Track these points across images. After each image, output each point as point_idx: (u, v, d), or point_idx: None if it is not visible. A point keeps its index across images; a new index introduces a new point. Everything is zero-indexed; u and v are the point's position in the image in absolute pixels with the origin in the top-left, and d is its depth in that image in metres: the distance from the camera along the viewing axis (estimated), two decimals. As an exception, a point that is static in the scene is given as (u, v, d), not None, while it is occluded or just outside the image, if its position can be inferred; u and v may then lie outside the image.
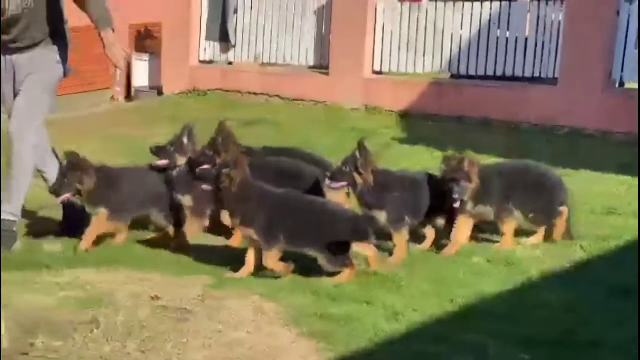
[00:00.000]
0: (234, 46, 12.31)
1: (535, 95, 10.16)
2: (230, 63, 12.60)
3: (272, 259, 4.77)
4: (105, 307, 4.14)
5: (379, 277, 4.83)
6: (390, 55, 11.27)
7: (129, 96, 13.16)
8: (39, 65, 5.39)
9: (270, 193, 4.92)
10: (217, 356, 3.68)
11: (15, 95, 5.39)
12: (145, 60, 12.96)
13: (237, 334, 3.95)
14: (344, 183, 5.30)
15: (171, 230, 5.61)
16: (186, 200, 5.49)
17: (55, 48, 5.46)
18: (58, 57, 5.48)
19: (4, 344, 3.55)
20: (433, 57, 11.05)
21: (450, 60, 10.96)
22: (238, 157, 4.98)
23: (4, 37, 5.33)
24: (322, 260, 4.73)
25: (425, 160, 8.30)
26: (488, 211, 5.44)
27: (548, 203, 5.48)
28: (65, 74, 5.60)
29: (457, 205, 5.27)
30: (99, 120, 11.33)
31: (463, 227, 5.40)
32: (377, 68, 11.39)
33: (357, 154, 5.25)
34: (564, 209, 5.50)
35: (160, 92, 12.69)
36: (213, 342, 3.83)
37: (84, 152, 5.69)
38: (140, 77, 12.98)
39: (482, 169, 5.42)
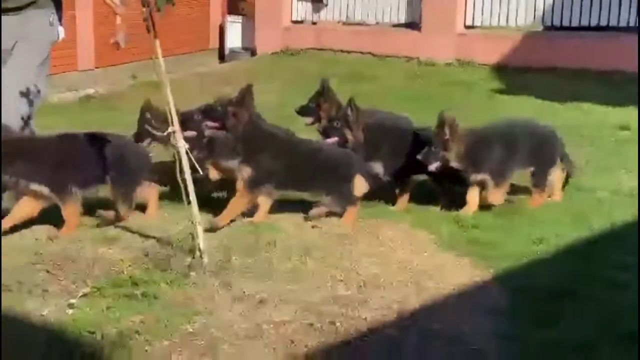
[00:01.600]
0: (326, 5, 12.63)
1: (629, 44, 10.25)
2: (314, 23, 12.95)
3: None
4: (277, 232, 4.59)
5: (513, 209, 5.17)
6: (483, 9, 11.45)
7: (222, 57, 13.62)
8: (30, 31, 5.00)
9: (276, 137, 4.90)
10: (391, 271, 4.09)
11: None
12: (239, 22, 13.38)
13: (401, 254, 4.36)
14: (336, 139, 5.23)
15: None
16: None
17: (49, 9, 5.09)
18: (51, 19, 5.12)
19: (205, 261, 4.02)
20: (526, 9, 11.21)
21: (543, 12, 11.11)
22: (244, 96, 4.82)
23: None
24: (327, 201, 4.81)
25: (528, 110, 8.57)
26: (486, 179, 5.15)
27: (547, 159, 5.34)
28: (58, 37, 5.21)
29: (432, 168, 5.10)
30: (204, 80, 11.79)
31: (473, 198, 5.16)
32: (469, 22, 11.59)
33: (349, 110, 5.23)
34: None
35: (253, 53, 13.12)
36: (382, 260, 4.24)
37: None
38: (234, 39, 13.42)
39: (472, 134, 5.19)
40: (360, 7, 12.44)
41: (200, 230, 4.06)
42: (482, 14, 11.47)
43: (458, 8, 11.47)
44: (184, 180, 4.05)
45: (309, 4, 12.80)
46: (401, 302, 3.71)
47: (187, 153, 4.07)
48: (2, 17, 4.96)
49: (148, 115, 5.22)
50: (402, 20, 12.20)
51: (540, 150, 5.32)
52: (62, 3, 5.24)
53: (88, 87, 11.12)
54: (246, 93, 4.82)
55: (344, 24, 12.75)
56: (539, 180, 5.31)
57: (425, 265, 4.17)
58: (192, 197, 4.05)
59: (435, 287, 3.89)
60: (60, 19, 5.23)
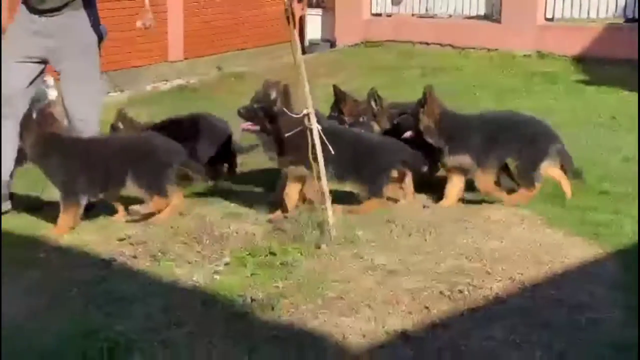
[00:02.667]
0: (407, -3, 12.87)
1: None
2: (389, 15, 13.18)
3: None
4: (392, 211, 4.89)
5: (614, 195, 5.35)
6: (563, 1, 11.54)
7: (302, 49, 13.94)
8: (74, 31, 5.07)
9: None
10: (507, 246, 4.35)
11: (37, 59, 5.10)
12: (319, 15, 13.69)
13: (515, 232, 4.60)
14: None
15: None
16: None
17: (85, 10, 5.09)
18: (91, 20, 5.14)
19: (333, 234, 4.34)
20: (607, 2, 11.26)
21: (625, 4, 11.15)
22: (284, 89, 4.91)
23: None
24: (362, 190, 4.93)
25: (613, 101, 8.70)
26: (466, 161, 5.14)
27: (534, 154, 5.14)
28: (102, 36, 5.27)
29: (405, 135, 5.21)
30: (286, 70, 12.13)
31: (451, 191, 5.18)
32: (549, 15, 11.69)
33: (372, 102, 5.51)
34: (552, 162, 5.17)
35: (333, 45, 13.41)
36: (497, 236, 4.50)
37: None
38: (314, 31, 13.73)
39: (452, 115, 5.26)
40: (441, 0, 12.63)
41: (329, 205, 4.37)
42: (563, 6, 11.55)
43: (539, 0, 11.57)
44: (315, 159, 4.37)
45: (389, -3, 13.05)
46: (522, 274, 3.96)
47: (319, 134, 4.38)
48: (42, 19, 5.02)
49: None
50: (478, 12, 12.35)
51: (526, 145, 5.12)
52: (96, 2, 5.22)
53: (177, 77, 11.55)
54: (284, 94, 4.89)
55: (419, 16, 12.96)
56: (524, 174, 5.13)
57: (540, 242, 4.41)
58: (323, 174, 4.36)
59: (552, 260, 4.13)
60: (98, 20, 5.22)
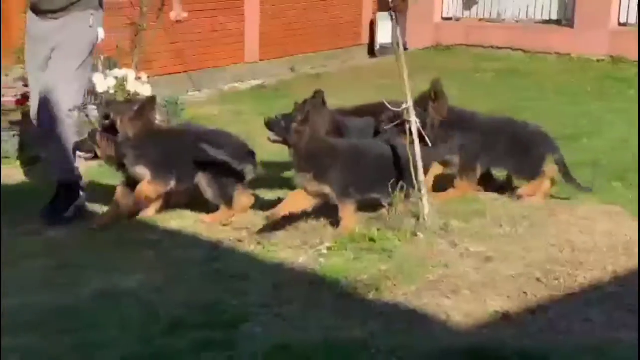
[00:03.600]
0: (477, 3, 13.00)
1: None
2: (458, 19, 13.32)
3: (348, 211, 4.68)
4: (482, 204, 5.08)
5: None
6: (638, 6, 11.54)
7: (372, 52, 14.17)
8: (69, 33, 5.04)
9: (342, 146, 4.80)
10: (597, 238, 4.51)
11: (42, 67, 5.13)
12: (389, 19, 13.90)
13: (604, 225, 4.75)
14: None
15: None
16: None
17: (89, 10, 5.09)
18: (91, 21, 5.10)
19: (428, 223, 4.55)
20: (684, 6, 11.24)
21: (702, 10, 11.12)
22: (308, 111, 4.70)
23: None
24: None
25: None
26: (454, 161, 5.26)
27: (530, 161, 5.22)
28: (97, 39, 5.21)
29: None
30: (357, 73, 12.37)
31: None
32: (622, 20, 11.70)
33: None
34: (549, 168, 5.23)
35: (404, 48, 13.58)
36: (586, 229, 4.66)
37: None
38: (385, 34, 13.93)
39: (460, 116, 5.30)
40: (512, 4, 12.72)
41: (425, 196, 4.59)
42: (638, 11, 11.55)
43: (613, 5, 11.60)
44: (412, 153, 4.59)
45: (460, 1, 13.19)
46: (614, 265, 4.12)
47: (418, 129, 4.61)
48: (43, 21, 5.08)
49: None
50: (551, 17, 12.42)
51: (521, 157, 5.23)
52: (103, 5, 5.24)
53: (253, 78, 11.88)
54: (312, 109, 4.76)
55: (488, 21, 13.08)
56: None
57: (630, 235, 4.55)
58: (420, 167, 4.58)
59: (643, 253, 4.28)
60: (101, 23, 5.22)
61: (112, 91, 7.03)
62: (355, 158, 4.73)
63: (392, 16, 4.72)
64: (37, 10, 5.13)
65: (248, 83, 11.62)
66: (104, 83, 6.97)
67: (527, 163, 5.22)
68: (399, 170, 4.71)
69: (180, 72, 10.46)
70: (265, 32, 12.28)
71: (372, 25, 14.11)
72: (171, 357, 3.26)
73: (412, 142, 4.61)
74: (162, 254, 4.47)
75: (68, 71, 5.04)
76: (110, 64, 7.68)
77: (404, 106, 4.68)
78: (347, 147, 4.80)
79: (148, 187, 4.89)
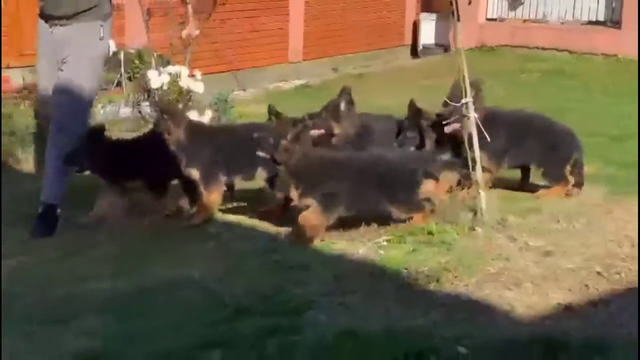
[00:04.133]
0: (522, 3, 12.96)
1: None
2: (502, 20, 13.27)
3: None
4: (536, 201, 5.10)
5: None
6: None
7: (415, 53, 14.18)
8: (79, 46, 4.98)
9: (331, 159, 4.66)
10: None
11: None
12: (433, 19, 13.90)
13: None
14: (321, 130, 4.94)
15: None
16: None
17: (98, 21, 5.04)
18: (101, 33, 5.05)
19: (485, 218, 4.57)
20: None
21: None
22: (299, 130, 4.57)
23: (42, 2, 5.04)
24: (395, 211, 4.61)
25: None
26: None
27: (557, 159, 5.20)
28: (109, 51, 5.21)
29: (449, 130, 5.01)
30: (403, 73, 12.40)
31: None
32: (671, 20, 11.59)
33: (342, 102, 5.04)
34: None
35: (447, 49, 13.59)
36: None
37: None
38: (428, 35, 13.95)
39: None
40: (558, 5, 12.66)
41: (482, 191, 4.61)
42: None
43: (661, 6, 11.51)
44: (470, 147, 4.62)
45: (505, 2, 13.16)
46: (675, 260, 4.11)
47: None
48: (50, 27, 5.03)
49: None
50: (597, 18, 12.34)
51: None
52: (112, 13, 5.18)
53: (296, 78, 11.96)
54: (302, 130, 4.61)
55: (533, 22, 13.04)
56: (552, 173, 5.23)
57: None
58: (478, 162, 4.60)
59: None
60: (110, 33, 5.18)
61: (165, 87, 7.15)
62: (344, 174, 4.56)
63: (452, 13, 4.71)
64: (44, 16, 5.06)
65: (292, 83, 11.72)
66: (158, 79, 7.09)
67: (553, 162, 5.21)
68: (391, 182, 4.54)
69: (224, 72, 10.58)
70: (309, 32, 12.37)
71: (415, 26, 14.14)
72: (237, 342, 3.32)
73: (470, 137, 4.64)
74: (222, 245, 4.56)
75: (78, 86, 4.97)
76: (163, 62, 7.82)
77: (463, 101, 4.71)
78: (336, 162, 4.62)
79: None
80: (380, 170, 4.57)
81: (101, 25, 5.04)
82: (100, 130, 5.09)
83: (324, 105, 5.15)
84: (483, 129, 4.68)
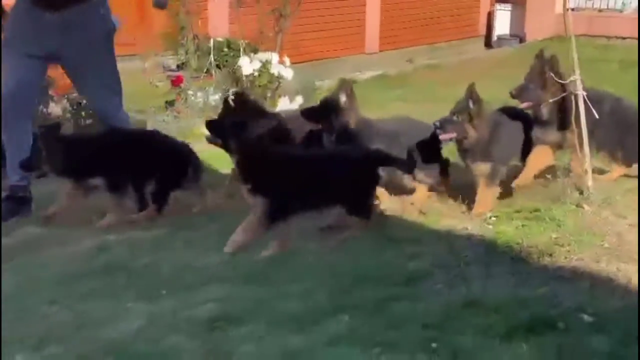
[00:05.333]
0: (601, -7, 12.81)
1: None
2: (580, 10, 13.12)
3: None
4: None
5: None
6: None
7: (488, 44, 14.13)
8: (82, 32, 4.87)
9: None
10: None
11: (41, 57, 4.92)
12: (508, 10, 13.83)
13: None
14: (453, 134, 4.72)
15: None
16: None
17: (92, 4, 4.92)
18: (102, 11, 4.97)
19: (592, 196, 4.57)
20: None
21: None
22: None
23: None
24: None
25: None
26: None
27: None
28: (115, 27, 5.10)
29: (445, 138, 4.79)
30: (478, 63, 12.37)
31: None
32: None
33: (470, 101, 4.70)
34: None
35: (522, 40, 13.51)
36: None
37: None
38: (502, 26, 13.89)
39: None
40: (637, -7, 12.48)
41: (589, 170, 4.62)
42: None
43: None
44: (578, 126, 4.63)
45: (583, -8, 13.04)
46: None
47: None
48: (47, 15, 4.82)
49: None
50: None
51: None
52: None
53: (372, 68, 12.05)
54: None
55: (599, 10, 12.89)
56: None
57: None
58: (585, 141, 4.61)
59: None
60: (109, 11, 5.06)
61: (256, 74, 7.30)
62: (299, 170, 4.26)
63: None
64: (41, 3, 4.81)
65: (368, 73, 11.81)
66: (249, 66, 7.25)
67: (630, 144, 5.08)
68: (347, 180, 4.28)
69: (302, 62, 10.72)
70: (385, 23, 12.44)
71: (490, 16, 14.08)
72: (362, 307, 3.41)
73: (577, 115, 4.65)
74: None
75: (103, 67, 5.01)
76: (250, 49, 7.98)
77: (570, 78, 4.72)
78: (289, 158, 4.36)
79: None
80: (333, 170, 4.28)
81: (99, 5, 4.93)
82: (55, 128, 4.93)
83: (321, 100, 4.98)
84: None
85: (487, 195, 4.72)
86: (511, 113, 5.00)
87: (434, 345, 3.02)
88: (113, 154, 4.85)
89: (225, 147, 4.19)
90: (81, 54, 4.92)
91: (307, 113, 4.92)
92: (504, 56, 12.77)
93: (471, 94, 4.68)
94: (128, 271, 3.99)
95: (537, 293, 3.48)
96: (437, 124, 4.72)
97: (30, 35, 4.85)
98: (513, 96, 4.87)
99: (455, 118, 4.69)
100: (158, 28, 9.04)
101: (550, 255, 3.93)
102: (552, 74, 4.80)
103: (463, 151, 4.81)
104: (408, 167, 4.69)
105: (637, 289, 3.54)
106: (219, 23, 9.26)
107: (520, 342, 3.02)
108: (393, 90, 10.43)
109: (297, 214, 4.25)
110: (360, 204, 4.32)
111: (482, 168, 4.75)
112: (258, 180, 4.14)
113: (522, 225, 4.31)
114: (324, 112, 4.81)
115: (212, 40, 7.92)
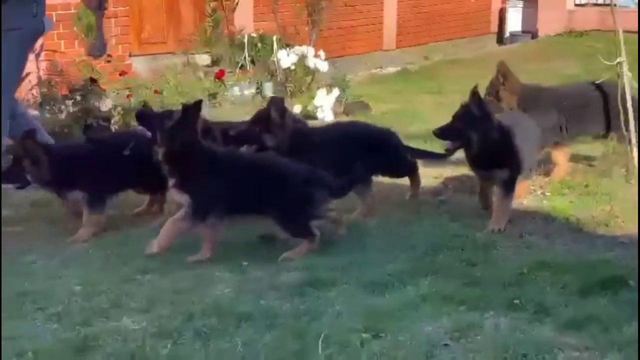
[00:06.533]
0: (611, -12, 13.04)
1: None
2: (592, 5, 13.39)
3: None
4: None
5: None
6: None
7: (501, 40, 14.37)
8: (11, 20, 4.66)
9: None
10: None
11: None
12: (519, 7, 14.08)
13: None
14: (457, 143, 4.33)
15: None
16: None
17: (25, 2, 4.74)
18: (35, 10, 4.80)
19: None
20: None
21: None
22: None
23: None
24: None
25: None
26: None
27: None
28: (44, 29, 4.94)
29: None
30: (494, 58, 12.54)
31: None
32: None
33: (473, 104, 4.27)
34: None
35: (534, 36, 13.76)
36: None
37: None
38: (514, 23, 14.14)
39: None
40: (648, -11, 12.72)
41: (635, 151, 4.86)
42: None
43: None
44: (625, 111, 4.87)
45: (594, -14, 13.30)
46: None
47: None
48: None
49: None
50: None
51: None
52: None
53: (390, 65, 12.27)
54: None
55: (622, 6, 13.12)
56: None
57: None
58: (632, 122, 4.85)
59: None
60: (43, 12, 4.89)
61: (293, 67, 7.53)
62: (229, 171, 4.05)
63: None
64: None
65: (386, 70, 12.03)
66: (287, 60, 7.47)
67: None
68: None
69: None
70: (402, 21, 12.68)
71: (501, 13, 14.33)
72: (438, 272, 3.63)
73: (623, 103, 4.87)
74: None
75: (10, 70, 4.73)
76: (283, 44, 8.21)
77: (618, 60, 4.95)
78: (219, 156, 4.13)
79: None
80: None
81: (34, 2, 4.79)
82: (32, 136, 4.43)
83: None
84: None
85: (504, 208, 4.26)
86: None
87: (516, 301, 3.25)
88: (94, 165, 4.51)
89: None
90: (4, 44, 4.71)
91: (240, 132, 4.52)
92: (518, 51, 12.99)
93: (474, 97, 4.25)
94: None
95: (604, 257, 3.72)
96: (437, 132, 4.34)
97: None
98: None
99: (456, 124, 4.27)
100: (188, 27, 9.29)
101: (607, 225, 4.18)
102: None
103: (471, 160, 4.39)
104: (339, 193, 4.18)
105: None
106: (244, 20, 9.49)
107: (597, 297, 3.25)
108: (419, 83, 10.65)
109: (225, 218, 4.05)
110: (293, 223, 4.00)
111: (496, 177, 4.33)
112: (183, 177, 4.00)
113: (575, 200, 4.55)
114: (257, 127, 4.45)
115: (246, 36, 8.14)
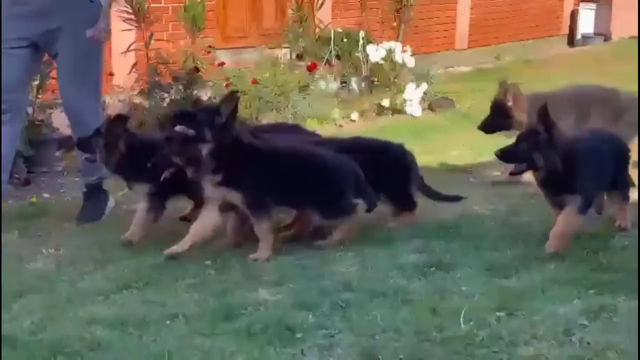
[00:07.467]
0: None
1: None
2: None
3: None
4: None
5: None
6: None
7: (571, 42, 14.28)
8: (74, 11, 4.32)
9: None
10: None
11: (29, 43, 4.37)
12: (592, 9, 13.97)
13: None
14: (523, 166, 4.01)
15: None
16: None
17: None
18: None
19: None
20: None
21: None
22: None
23: None
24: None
25: None
26: None
27: None
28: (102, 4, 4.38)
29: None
30: (568, 60, 12.53)
31: None
32: None
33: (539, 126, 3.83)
34: None
35: (607, 38, 13.65)
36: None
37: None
38: (586, 24, 14.03)
39: None
40: None
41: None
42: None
43: None
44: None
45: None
46: None
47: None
48: None
49: None
50: None
51: None
52: None
53: (461, 65, 12.29)
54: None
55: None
56: None
57: None
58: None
59: None
60: None
61: (381, 62, 7.63)
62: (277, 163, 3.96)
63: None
64: None
65: (458, 69, 12.06)
66: (375, 54, 7.57)
67: None
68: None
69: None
70: (475, 20, 12.69)
71: (573, 15, 14.24)
72: (560, 257, 3.70)
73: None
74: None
75: (91, 54, 4.39)
76: (368, 39, 8.31)
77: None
78: (268, 150, 3.99)
79: None
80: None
81: None
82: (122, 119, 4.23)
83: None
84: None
85: (565, 231, 3.83)
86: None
87: (647, 288, 3.29)
88: None
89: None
90: (68, 37, 4.40)
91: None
92: (591, 53, 12.92)
93: (542, 116, 3.83)
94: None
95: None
96: (500, 154, 3.96)
97: (14, 22, 4.38)
98: None
99: (522, 146, 3.88)
100: (269, 22, 9.46)
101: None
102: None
103: (540, 183, 4.00)
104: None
105: None
106: (323, 17, 9.61)
107: None
108: (496, 82, 10.64)
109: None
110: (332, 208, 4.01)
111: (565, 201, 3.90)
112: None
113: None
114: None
115: (332, 31, 8.25)
